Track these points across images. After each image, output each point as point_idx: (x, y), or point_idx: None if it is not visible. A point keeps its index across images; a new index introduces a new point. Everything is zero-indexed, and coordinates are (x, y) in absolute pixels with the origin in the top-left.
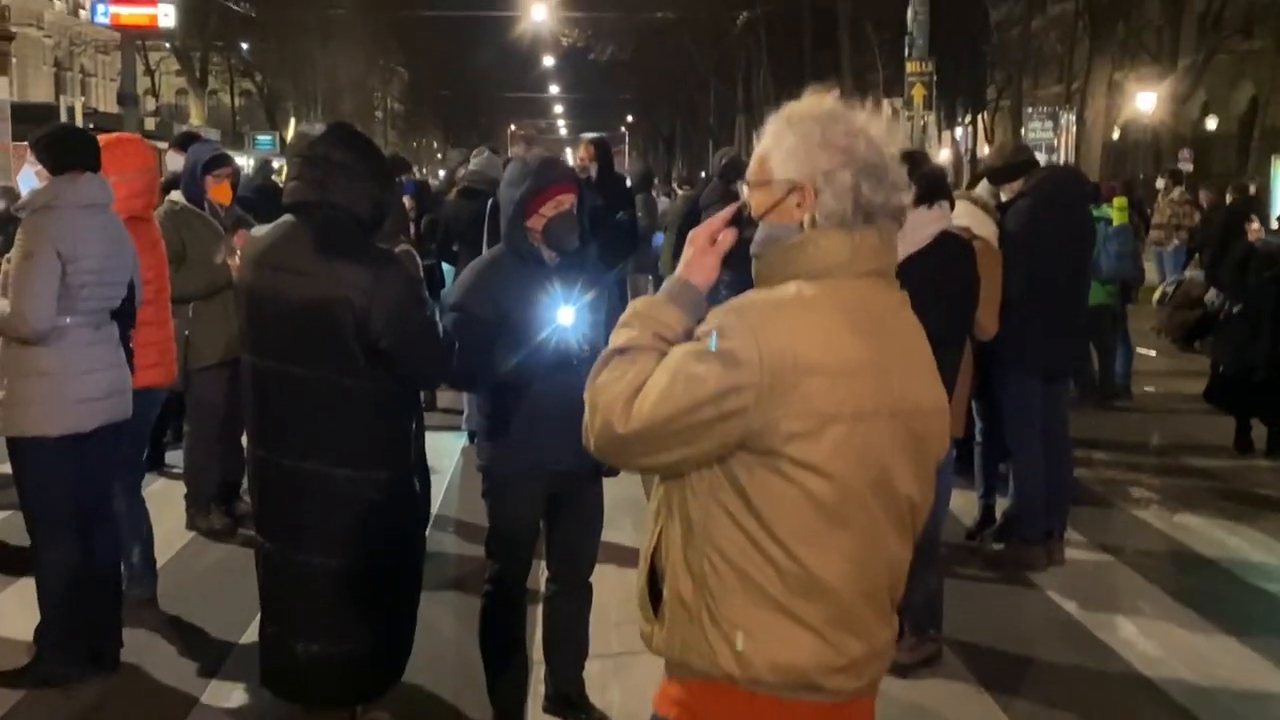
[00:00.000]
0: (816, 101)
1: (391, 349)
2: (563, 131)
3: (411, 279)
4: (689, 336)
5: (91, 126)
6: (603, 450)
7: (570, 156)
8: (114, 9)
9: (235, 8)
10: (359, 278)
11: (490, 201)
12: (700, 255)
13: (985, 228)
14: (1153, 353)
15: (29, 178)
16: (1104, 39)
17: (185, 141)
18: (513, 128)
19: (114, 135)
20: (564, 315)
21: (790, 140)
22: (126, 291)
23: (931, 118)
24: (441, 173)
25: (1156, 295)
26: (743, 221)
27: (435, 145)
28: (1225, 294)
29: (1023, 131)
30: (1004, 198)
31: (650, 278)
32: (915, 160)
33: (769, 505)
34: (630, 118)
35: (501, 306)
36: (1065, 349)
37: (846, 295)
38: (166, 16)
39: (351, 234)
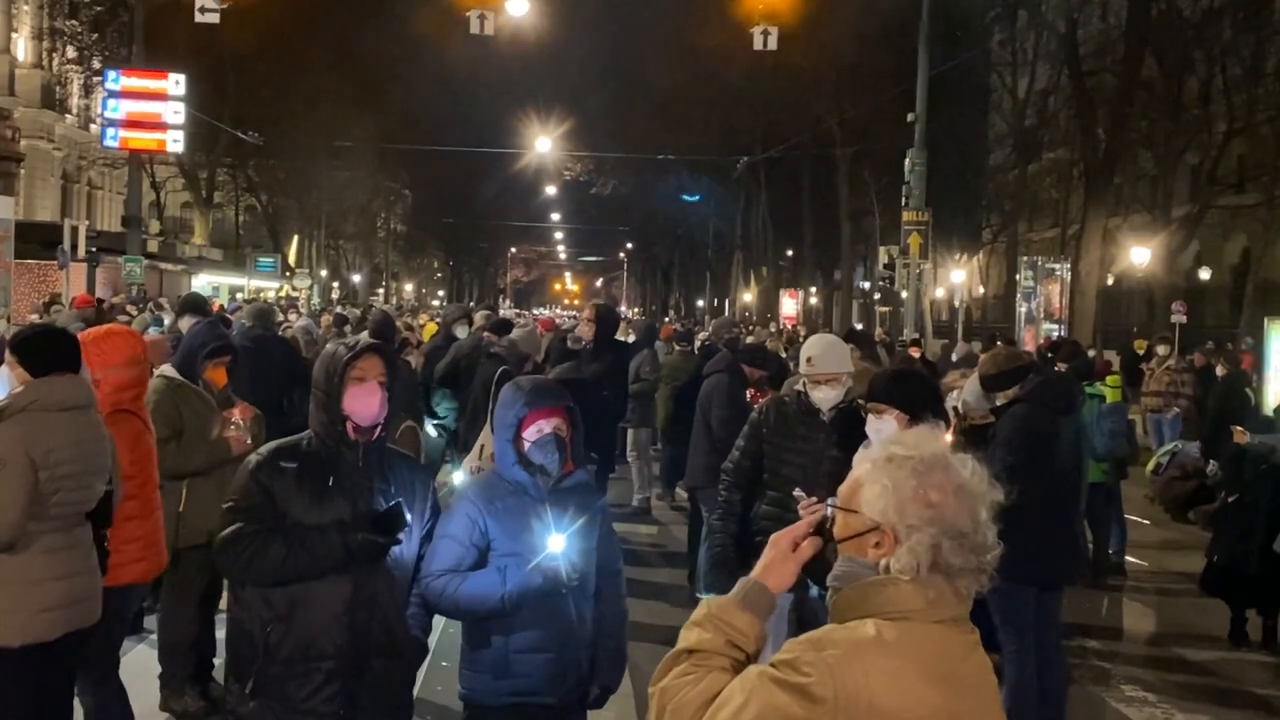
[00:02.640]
0: (924, 441)
1: None
2: (562, 256)
3: (235, 487)
4: (760, 643)
5: (94, 249)
6: None
7: (569, 280)
8: (123, 133)
9: (245, 137)
10: None
11: (501, 371)
12: (781, 561)
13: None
14: (1146, 521)
15: (3, 378)
16: (1098, 189)
17: (195, 307)
18: (513, 250)
19: (103, 329)
20: (554, 543)
21: (885, 481)
22: (104, 492)
23: (928, 265)
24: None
25: (1150, 465)
26: (826, 534)
27: (435, 265)
28: (1222, 484)
29: (1017, 277)
30: (999, 402)
31: (650, 430)
32: (905, 379)
33: None
34: (629, 245)
35: (489, 533)
36: (1059, 559)
37: (924, 641)
38: (175, 142)
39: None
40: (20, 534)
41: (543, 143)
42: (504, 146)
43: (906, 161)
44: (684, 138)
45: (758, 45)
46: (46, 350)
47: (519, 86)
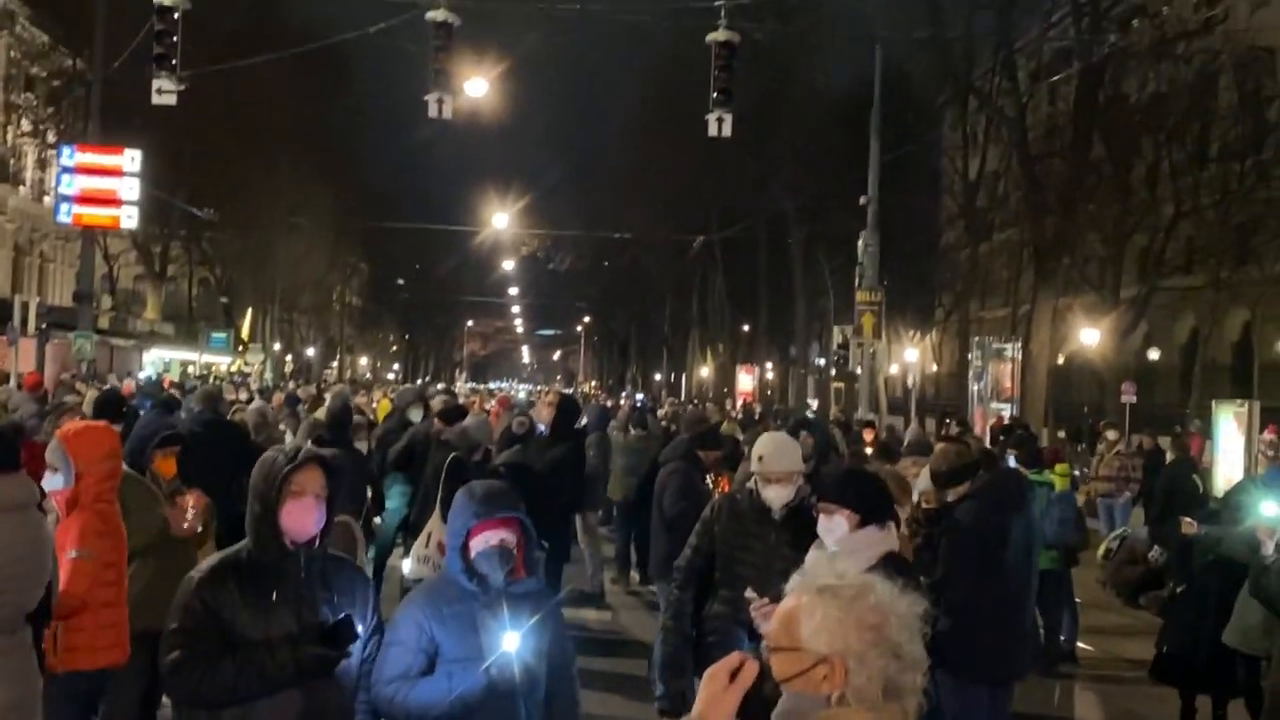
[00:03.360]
0: (845, 567)
1: None
2: (519, 330)
3: (178, 606)
4: None
5: (44, 326)
6: None
7: (526, 354)
8: (77, 209)
9: (199, 213)
10: None
11: (451, 458)
12: (720, 694)
13: None
14: (1096, 606)
15: None
16: (1048, 270)
17: (110, 408)
18: (470, 324)
19: (80, 425)
20: (509, 641)
21: (821, 613)
22: (44, 591)
23: (881, 343)
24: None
25: (1101, 550)
26: (761, 673)
27: (391, 338)
28: (1170, 573)
29: (969, 357)
30: (950, 498)
31: (600, 512)
32: (856, 479)
33: None
34: (587, 318)
35: (436, 638)
36: (1012, 655)
37: None
38: (129, 218)
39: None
40: None
41: (500, 218)
42: (462, 222)
43: (860, 242)
44: (640, 215)
45: (713, 132)
46: None
47: (477, 163)
